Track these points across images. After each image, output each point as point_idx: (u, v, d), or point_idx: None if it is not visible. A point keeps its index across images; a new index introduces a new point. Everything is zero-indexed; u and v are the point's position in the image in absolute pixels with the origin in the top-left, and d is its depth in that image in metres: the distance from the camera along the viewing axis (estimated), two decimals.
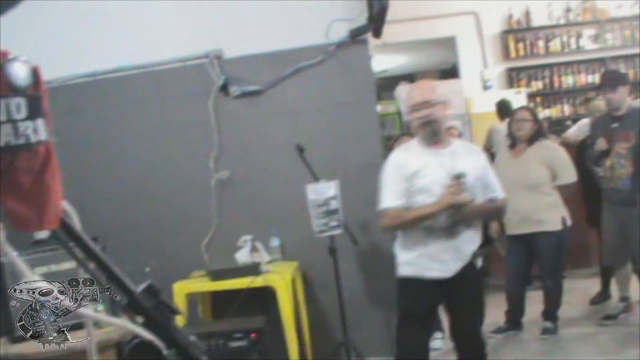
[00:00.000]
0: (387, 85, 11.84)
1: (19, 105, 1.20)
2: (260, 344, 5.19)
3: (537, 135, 6.54)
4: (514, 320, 6.77)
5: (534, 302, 6.82)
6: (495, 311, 6.49)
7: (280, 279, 5.66)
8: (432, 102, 4.46)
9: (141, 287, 1.35)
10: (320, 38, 6.26)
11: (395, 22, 9.19)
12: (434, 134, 4.52)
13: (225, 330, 5.23)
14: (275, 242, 6.20)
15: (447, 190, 4.33)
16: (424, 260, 4.47)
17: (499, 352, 6.15)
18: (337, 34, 6.28)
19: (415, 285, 4.51)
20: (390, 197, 4.49)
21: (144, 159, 6.44)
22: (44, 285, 1.32)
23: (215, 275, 5.70)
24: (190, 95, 6.39)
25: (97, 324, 5.18)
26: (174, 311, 1.37)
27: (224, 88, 6.32)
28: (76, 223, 1.35)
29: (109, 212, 6.33)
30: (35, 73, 1.23)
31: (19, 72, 1.20)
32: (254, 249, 6.05)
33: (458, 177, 4.34)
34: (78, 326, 5.06)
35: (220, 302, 6.16)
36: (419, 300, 4.53)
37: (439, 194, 4.35)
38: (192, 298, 5.88)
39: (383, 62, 12.29)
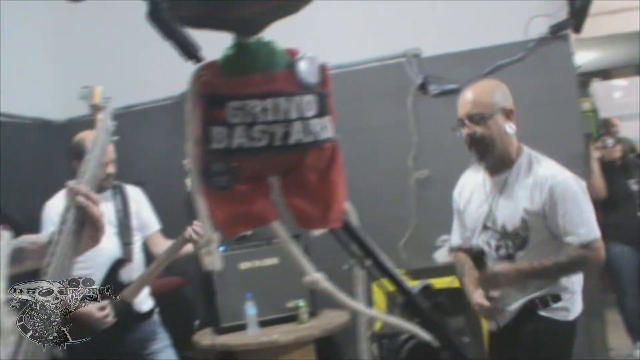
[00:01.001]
0: (580, 82, 11.45)
1: (309, 103, 1.20)
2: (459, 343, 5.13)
3: None
4: None
5: None
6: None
7: None
8: (478, 115, 3.66)
9: (417, 288, 1.34)
10: (519, 35, 6.12)
11: (590, 16, 8.88)
12: (481, 157, 3.74)
13: None
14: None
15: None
16: None
17: None
18: (536, 30, 6.13)
19: None
20: (453, 234, 4.05)
21: (343, 158, 6.49)
22: (325, 285, 1.30)
23: (415, 275, 5.67)
24: (389, 94, 6.39)
25: (299, 320, 5.29)
26: (448, 312, 1.35)
27: (422, 87, 6.29)
28: (354, 221, 1.34)
29: None
30: (322, 70, 1.23)
31: (309, 70, 1.20)
32: None
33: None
34: (283, 320, 5.19)
35: None
36: None
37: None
38: (390, 297, 5.87)
39: (577, 58, 11.90)
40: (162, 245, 4.61)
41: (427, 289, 1.34)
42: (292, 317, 5.47)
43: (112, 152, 4.46)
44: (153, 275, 4.44)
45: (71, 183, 1.77)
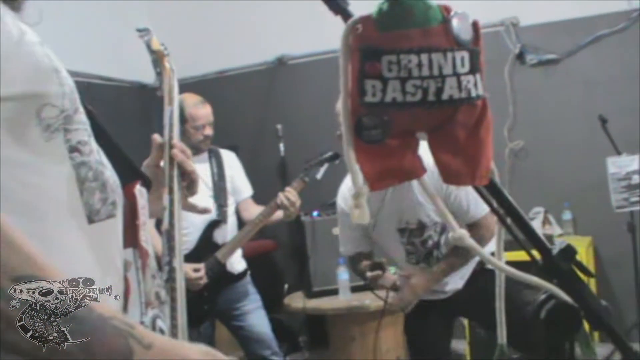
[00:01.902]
0: None
1: (463, 59, 1.21)
2: None
3: None
4: None
5: None
6: None
7: None
8: None
9: (557, 248, 1.33)
10: (622, 4, 5.98)
11: None
12: None
13: None
14: (567, 215, 6.04)
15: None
16: None
17: None
18: None
19: None
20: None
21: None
22: (470, 242, 1.31)
23: (508, 246, 5.64)
24: (486, 63, 6.29)
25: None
26: (589, 274, 1.35)
27: (520, 56, 6.21)
28: (498, 180, 1.35)
29: None
30: (474, 28, 1.23)
31: (463, 26, 1.21)
32: (545, 221, 5.94)
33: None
34: (364, 287, 5.19)
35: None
36: None
37: None
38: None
39: None
40: (253, 211, 4.64)
41: (566, 250, 1.33)
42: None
43: (210, 114, 4.50)
44: (246, 238, 4.50)
45: (160, 138, 1.81)
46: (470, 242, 1.32)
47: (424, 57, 1.17)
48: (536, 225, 5.88)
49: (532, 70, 6.20)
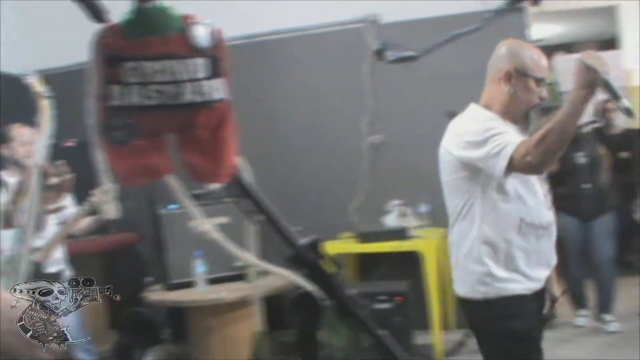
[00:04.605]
0: (544, 55, 11.56)
1: (201, 65, 1.29)
2: (404, 307, 5.27)
3: None
4: None
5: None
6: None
7: (428, 244, 5.72)
8: None
9: (305, 241, 1.43)
10: (478, 5, 6.20)
11: None
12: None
13: (370, 292, 5.32)
14: (424, 207, 6.24)
15: None
16: None
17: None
18: (495, 1, 6.21)
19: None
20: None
21: (297, 120, 6.60)
22: (215, 236, 1.40)
23: (364, 238, 5.80)
24: (346, 59, 6.47)
25: (247, 278, 5.39)
26: (336, 265, 1.44)
27: (380, 53, 6.35)
28: (249, 177, 1.43)
29: (261, 171, 6.47)
30: (216, 35, 1.31)
31: (202, 34, 1.29)
32: (402, 214, 6.11)
33: None
34: (232, 278, 5.28)
35: (367, 264, 6.27)
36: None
37: None
38: (339, 259, 6.00)
39: (540, 31, 12.00)
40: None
41: (315, 244, 1.43)
42: (240, 276, 5.57)
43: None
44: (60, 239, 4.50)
45: None
46: (215, 236, 1.40)
47: (163, 64, 1.25)
48: (393, 217, 6.05)
49: (391, 66, 6.35)
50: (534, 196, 3.04)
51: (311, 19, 6.47)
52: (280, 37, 6.59)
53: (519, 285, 2.98)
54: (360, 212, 6.40)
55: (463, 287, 3.13)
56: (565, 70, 9.84)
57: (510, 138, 2.87)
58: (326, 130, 6.51)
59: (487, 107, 3.19)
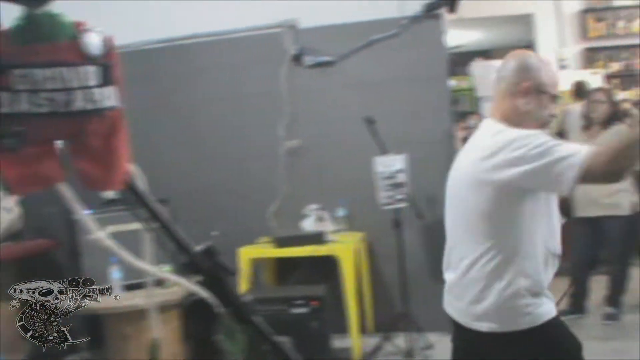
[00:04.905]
0: (462, 60, 11.75)
1: (93, 73, 1.28)
2: (321, 312, 5.27)
3: (612, 118, 6.35)
4: (578, 304, 6.69)
5: (600, 287, 6.75)
6: (557, 294, 6.47)
7: (344, 248, 5.74)
8: None
9: (200, 248, 1.43)
10: (395, 12, 6.28)
11: None
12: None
13: (287, 297, 5.32)
14: (341, 212, 6.28)
15: None
16: None
17: None
18: (412, 8, 6.29)
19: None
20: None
21: (215, 125, 6.57)
22: (108, 244, 1.39)
23: (281, 242, 5.80)
24: (264, 63, 6.47)
25: (164, 285, 5.35)
26: (230, 272, 1.45)
27: (298, 58, 6.39)
28: (142, 185, 1.43)
29: (180, 176, 6.50)
30: (107, 43, 1.31)
31: (93, 42, 1.28)
32: (319, 218, 6.14)
33: None
34: (139, 286, 5.22)
35: (285, 269, 6.28)
36: None
37: None
38: (257, 263, 6.00)
39: (459, 37, 12.19)
40: None
41: (209, 250, 1.43)
42: (157, 282, 5.50)
43: None
44: None
45: None
46: (108, 243, 1.40)
47: (53, 71, 1.24)
48: (311, 221, 6.07)
49: (309, 71, 6.40)
50: (556, 222, 2.94)
51: (230, 24, 6.46)
52: (200, 41, 6.56)
53: (550, 306, 2.88)
54: (278, 216, 6.42)
55: (498, 323, 2.85)
56: (483, 76, 10.08)
57: (574, 146, 2.66)
58: (245, 134, 6.51)
59: (505, 122, 2.92)
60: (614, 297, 6.53)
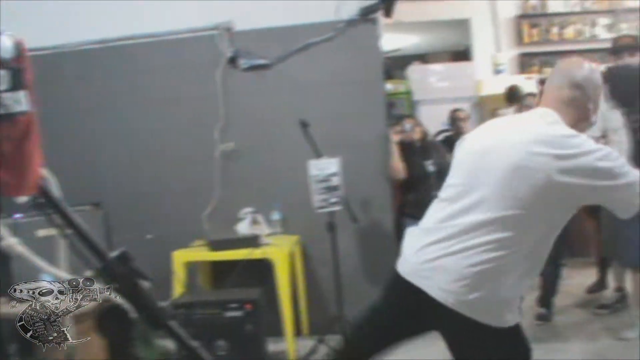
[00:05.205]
0: (399, 64, 11.83)
1: (3, 77, 1.26)
2: (255, 315, 5.26)
3: None
4: None
5: (530, 289, 6.83)
6: None
7: (279, 251, 5.75)
8: None
9: (114, 254, 1.42)
10: (331, 15, 6.29)
11: (411, 1, 9.24)
12: None
13: (221, 300, 5.29)
14: (276, 215, 6.29)
15: None
16: None
17: None
18: (347, 11, 6.30)
19: None
20: None
21: (150, 127, 6.53)
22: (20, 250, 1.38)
23: (215, 246, 5.78)
24: (199, 66, 6.44)
25: (79, 290, 5.28)
26: (145, 277, 1.44)
27: (233, 60, 6.35)
28: (55, 190, 1.41)
29: (113, 180, 6.44)
30: (18, 46, 1.29)
31: (3, 45, 1.26)
32: (254, 222, 6.13)
33: None
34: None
35: (220, 272, 6.25)
36: None
37: None
38: (191, 267, 5.97)
39: (396, 41, 12.26)
40: None
41: (123, 256, 1.42)
42: (74, 289, 5.43)
43: None
44: None
45: None
46: (20, 249, 1.38)
47: None
48: (245, 225, 6.06)
49: (244, 74, 6.36)
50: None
51: (165, 25, 6.41)
52: (134, 43, 6.49)
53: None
54: (212, 219, 6.39)
55: (484, 314, 2.74)
56: (420, 80, 10.17)
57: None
58: (179, 137, 6.47)
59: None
60: (546, 298, 6.62)
